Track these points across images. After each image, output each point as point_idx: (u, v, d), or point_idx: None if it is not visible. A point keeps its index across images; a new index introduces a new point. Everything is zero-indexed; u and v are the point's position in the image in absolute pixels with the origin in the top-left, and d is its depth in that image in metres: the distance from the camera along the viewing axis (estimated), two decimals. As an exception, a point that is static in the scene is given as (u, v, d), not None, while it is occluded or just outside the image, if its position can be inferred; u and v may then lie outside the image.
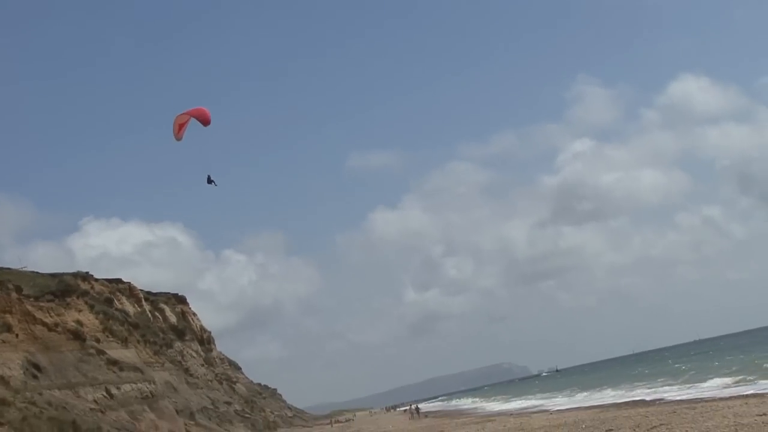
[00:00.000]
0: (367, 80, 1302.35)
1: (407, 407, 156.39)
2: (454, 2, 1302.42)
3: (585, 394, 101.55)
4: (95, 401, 56.06)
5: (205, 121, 40.15)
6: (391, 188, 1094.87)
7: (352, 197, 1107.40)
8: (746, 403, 43.89)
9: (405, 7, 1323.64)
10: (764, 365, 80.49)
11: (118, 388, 60.90)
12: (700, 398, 58.27)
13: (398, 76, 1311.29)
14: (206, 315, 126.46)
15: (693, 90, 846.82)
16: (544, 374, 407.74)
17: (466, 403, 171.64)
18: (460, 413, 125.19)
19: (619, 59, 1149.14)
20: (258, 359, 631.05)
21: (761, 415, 35.77)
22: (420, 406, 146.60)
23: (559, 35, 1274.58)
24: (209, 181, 40.67)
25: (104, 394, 58.24)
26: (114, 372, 62.69)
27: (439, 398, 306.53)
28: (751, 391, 56.77)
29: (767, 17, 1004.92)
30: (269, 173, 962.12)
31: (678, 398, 63.34)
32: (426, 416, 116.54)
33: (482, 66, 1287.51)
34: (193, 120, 40.00)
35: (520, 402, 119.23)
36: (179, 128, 39.94)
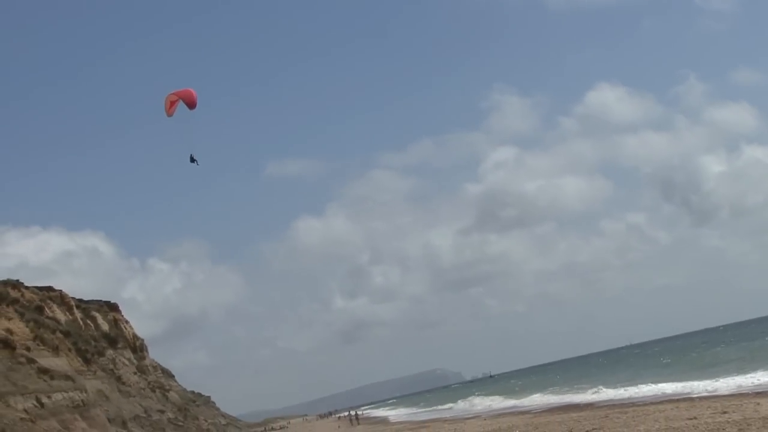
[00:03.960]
0: (279, 89, 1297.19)
1: (345, 413, 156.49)
2: (367, 11, 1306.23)
3: (518, 399, 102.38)
4: (25, 410, 55.09)
5: (191, 104, 40.37)
6: (313, 197, 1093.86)
7: (273, 205, 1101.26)
8: (677, 407, 44.72)
9: (322, 17, 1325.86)
10: (693, 369, 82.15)
11: (49, 397, 59.88)
12: (632, 402, 59.18)
13: (309, 87, 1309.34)
14: (132, 324, 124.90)
15: (609, 99, 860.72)
16: (477, 380, 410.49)
17: (403, 410, 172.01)
18: (394, 420, 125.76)
19: (534, 69, 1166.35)
20: (188, 367, 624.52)
21: (692, 419, 36.51)
22: (359, 413, 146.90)
23: (472, 46, 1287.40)
24: (192, 160, 40.89)
25: (35, 403, 57.25)
26: (45, 381, 61.62)
27: (374, 404, 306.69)
28: (682, 396, 57.88)
29: (672, 27, 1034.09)
30: (189, 181, 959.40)
31: (610, 402, 64.21)
32: (359, 423, 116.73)
33: (396, 76, 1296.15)
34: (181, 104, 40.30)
35: (455, 408, 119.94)
36: (171, 105, 40.15)
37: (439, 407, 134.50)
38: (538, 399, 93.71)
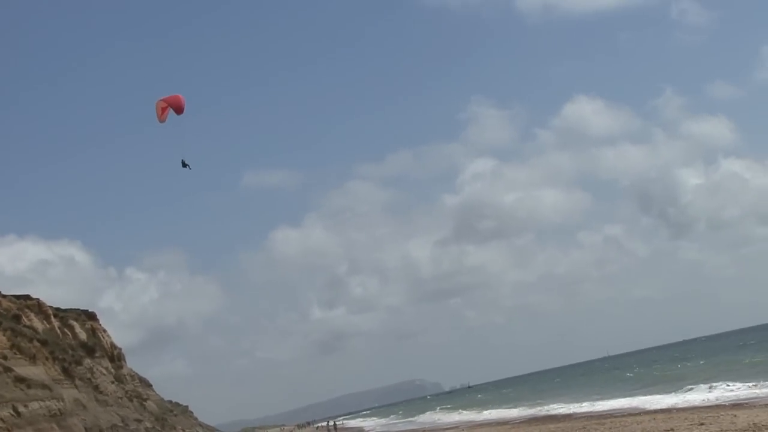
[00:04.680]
0: (257, 98, 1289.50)
1: (324, 423, 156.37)
2: (345, 22, 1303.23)
3: (496, 410, 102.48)
4: (2, 420, 54.78)
5: (178, 109, 40.68)
6: (291, 207, 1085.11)
7: (251, 215, 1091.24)
8: (654, 419, 44.98)
9: (301, 28, 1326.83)
10: (667, 382, 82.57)
11: (26, 406, 59.55)
12: (610, 414, 59.38)
13: (287, 97, 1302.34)
14: (109, 333, 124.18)
15: (587, 112, 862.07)
16: (456, 390, 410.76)
17: (377, 420, 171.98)
18: (373, 429, 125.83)
19: (511, 82, 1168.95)
20: (166, 377, 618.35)
21: (668, 431, 36.72)
22: (337, 423, 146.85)
23: (450, 58, 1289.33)
24: (184, 164, 41.11)
25: (11, 412, 56.93)
26: (21, 390, 61.28)
27: (352, 415, 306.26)
28: (659, 406, 58.17)
29: (649, 40, 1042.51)
30: (166, 190, 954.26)
31: (588, 414, 64.41)
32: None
33: (374, 87, 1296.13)
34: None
35: (432, 418, 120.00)
36: (162, 111, 40.48)
37: (414, 418, 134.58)
38: (516, 410, 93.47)
